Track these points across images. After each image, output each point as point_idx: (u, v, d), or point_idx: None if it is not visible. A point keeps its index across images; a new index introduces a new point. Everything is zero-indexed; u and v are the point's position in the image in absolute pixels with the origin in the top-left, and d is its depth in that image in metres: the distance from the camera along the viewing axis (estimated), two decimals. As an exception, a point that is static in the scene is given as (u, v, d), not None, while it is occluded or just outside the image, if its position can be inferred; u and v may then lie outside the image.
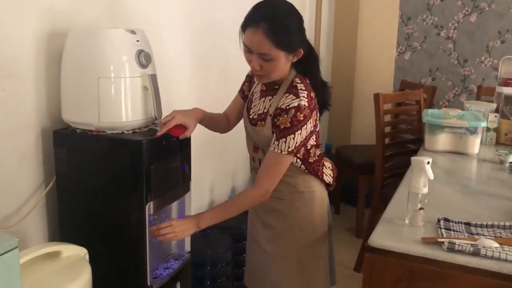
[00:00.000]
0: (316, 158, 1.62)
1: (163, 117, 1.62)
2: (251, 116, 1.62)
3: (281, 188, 1.61)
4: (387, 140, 3.01)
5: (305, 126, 1.47)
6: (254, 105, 1.63)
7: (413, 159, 1.43)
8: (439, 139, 2.31)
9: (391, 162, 2.93)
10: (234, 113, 1.78)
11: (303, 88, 1.49)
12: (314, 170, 1.62)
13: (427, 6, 3.98)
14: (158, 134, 1.56)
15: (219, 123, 1.77)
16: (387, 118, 3.07)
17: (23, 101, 1.58)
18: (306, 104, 1.46)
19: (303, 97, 1.47)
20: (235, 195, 1.59)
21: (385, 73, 4.20)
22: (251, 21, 1.43)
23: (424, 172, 1.39)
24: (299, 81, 1.52)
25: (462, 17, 3.89)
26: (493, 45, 3.83)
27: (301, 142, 1.48)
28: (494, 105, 2.63)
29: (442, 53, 4.01)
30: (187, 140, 1.74)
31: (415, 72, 4.12)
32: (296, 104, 1.46)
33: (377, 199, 2.86)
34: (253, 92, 1.67)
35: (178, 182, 1.75)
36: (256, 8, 1.46)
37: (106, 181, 1.60)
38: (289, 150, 1.46)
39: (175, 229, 1.45)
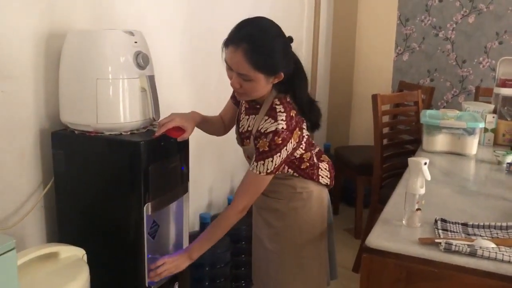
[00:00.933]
0: (311, 163, 1.63)
1: (161, 118, 1.62)
2: (240, 130, 1.64)
3: (280, 189, 1.63)
4: (385, 141, 3.01)
5: (285, 147, 1.47)
6: (242, 119, 1.64)
7: (410, 160, 1.43)
8: (437, 140, 2.31)
9: (390, 163, 2.94)
10: (228, 117, 1.79)
11: (282, 110, 1.48)
12: (309, 175, 1.63)
13: (426, 7, 3.98)
14: (156, 134, 1.56)
15: (216, 126, 1.78)
16: (386, 119, 3.07)
17: (22, 102, 1.58)
18: (285, 127, 1.46)
19: (282, 120, 1.46)
20: (215, 220, 1.60)
21: (383, 74, 4.20)
22: (232, 39, 1.41)
23: (421, 173, 1.40)
24: (278, 103, 1.49)
25: (460, 18, 3.90)
26: (491, 46, 3.84)
27: (281, 162, 1.49)
28: (492, 106, 2.64)
29: (441, 54, 4.01)
30: (185, 141, 1.74)
31: (413, 73, 4.13)
32: (273, 129, 1.45)
33: (376, 199, 2.86)
34: (242, 103, 1.67)
35: (177, 183, 1.75)
36: (239, 26, 1.43)
37: (104, 182, 1.60)
38: (267, 172, 1.48)
39: (168, 266, 1.54)
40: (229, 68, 1.45)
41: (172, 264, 1.54)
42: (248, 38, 1.38)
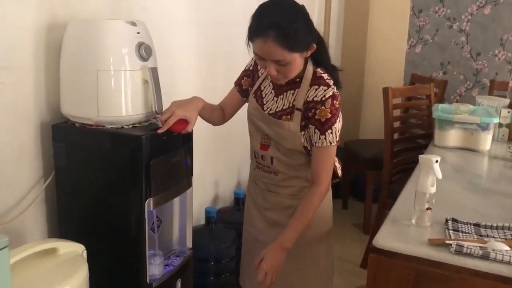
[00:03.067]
0: None
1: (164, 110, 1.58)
2: (268, 111, 1.58)
3: (292, 183, 1.60)
4: (396, 135, 2.95)
5: (340, 112, 1.50)
6: (267, 102, 1.59)
7: (421, 157, 1.38)
8: (449, 135, 2.25)
9: (400, 158, 2.88)
10: (230, 106, 1.73)
11: (329, 78, 1.52)
12: None
13: (440, -3, 3.90)
14: (159, 132, 1.51)
15: (215, 115, 1.72)
16: (397, 112, 3.01)
17: (22, 94, 1.55)
18: (337, 92, 1.49)
19: (333, 85, 1.50)
20: (302, 202, 1.52)
21: (395, 66, 4.13)
22: (258, 31, 1.38)
23: (432, 171, 1.34)
24: (322, 72, 1.52)
25: (476, 9, 3.80)
26: (508, 38, 3.74)
27: (341, 128, 1.51)
28: (507, 100, 2.57)
29: (454, 46, 3.92)
30: (190, 135, 1.70)
31: (426, 65, 4.04)
32: (331, 93, 1.47)
33: (385, 195, 2.81)
34: (260, 87, 1.62)
35: (180, 177, 1.71)
36: (260, 16, 1.41)
37: (105, 176, 1.57)
38: (337, 139, 1.50)
39: (271, 272, 1.43)
40: (261, 59, 1.44)
41: (273, 267, 1.44)
42: (274, 24, 1.36)
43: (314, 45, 1.46)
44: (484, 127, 2.19)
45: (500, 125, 2.41)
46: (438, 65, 4.01)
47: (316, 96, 1.48)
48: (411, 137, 3.22)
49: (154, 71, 1.59)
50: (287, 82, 1.54)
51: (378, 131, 3.32)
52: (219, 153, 2.72)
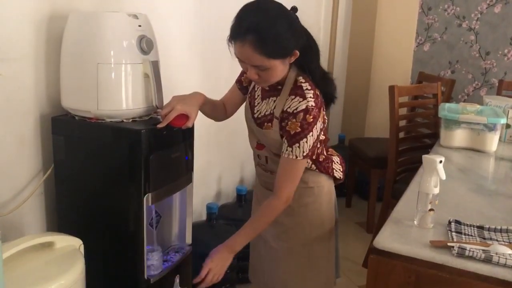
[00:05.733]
0: (326, 155, 1.58)
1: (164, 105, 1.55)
2: (255, 115, 1.55)
3: None
4: (402, 134, 2.92)
5: (315, 126, 1.41)
6: (257, 104, 1.56)
7: (425, 157, 1.35)
8: (455, 135, 2.22)
9: (405, 157, 2.85)
10: (231, 103, 1.70)
11: (309, 88, 1.42)
12: (325, 169, 1.57)
13: (450, -5, 3.84)
14: (159, 126, 1.49)
15: (217, 110, 1.69)
16: (403, 111, 2.97)
17: (22, 86, 1.54)
18: (314, 104, 1.40)
19: (310, 97, 1.40)
20: (259, 210, 1.52)
21: (403, 64, 4.08)
22: (236, 34, 1.34)
23: (435, 172, 1.32)
24: (303, 80, 1.43)
25: (486, 8, 3.74)
26: (517, 38, 3.69)
27: (313, 143, 1.43)
28: (515, 101, 2.53)
29: (463, 45, 3.87)
30: (190, 130, 1.68)
31: (434, 64, 3.99)
32: (304, 107, 1.39)
33: (389, 194, 2.79)
34: (254, 88, 1.60)
35: (180, 173, 1.70)
36: (240, 18, 1.35)
37: (104, 170, 1.56)
38: (304, 154, 1.41)
39: (216, 271, 1.45)
40: (241, 61, 1.39)
41: (218, 267, 1.46)
42: (253, 28, 1.30)
43: (297, 52, 1.38)
44: (491, 128, 2.16)
45: (508, 126, 2.37)
46: (446, 64, 3.96)
47: (290, 107, 1.41)
48: (417, 136, 3.18)
49: (155, 64, 1.57)
50: (270, 88, 1.50)
51: (384, 129, 3.29)
52: (222, 149, 2.70)
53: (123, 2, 1.84)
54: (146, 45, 1.54)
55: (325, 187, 1.60)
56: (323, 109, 1.46)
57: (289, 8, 1.39)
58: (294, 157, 1.41)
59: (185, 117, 1.50)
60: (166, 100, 1.63)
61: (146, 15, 1.60)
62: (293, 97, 1.41)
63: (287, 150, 1.42)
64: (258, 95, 1.57)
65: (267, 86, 1.51)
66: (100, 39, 1.49)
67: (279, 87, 1.47)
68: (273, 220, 1.50)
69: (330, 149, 1.65)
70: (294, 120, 1.39)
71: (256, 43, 1.30)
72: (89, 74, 1.49)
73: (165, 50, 1.76)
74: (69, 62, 1.54)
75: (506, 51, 3.75)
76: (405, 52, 4.07)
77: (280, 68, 1.38)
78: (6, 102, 1.49)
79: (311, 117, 1.39)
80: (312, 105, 1.39)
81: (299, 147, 1.40)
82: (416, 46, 4.04)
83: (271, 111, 1.48)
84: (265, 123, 1.50)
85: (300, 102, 1.39)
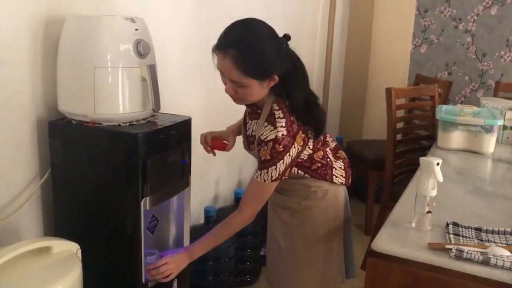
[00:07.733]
0: (323, 162, 1.56)
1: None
2: (248, 133, 1.58)
3: (294, 187, 1.58)
4: (399, 136, 2.92)
5: (288, 153, 1.40)
6: (248, 122, 1.58)
7: (422, 159, 1.35)
8: (452, 136, 2.22)
9: (403, 159, 2.85)
10: None
11: (281, 116, 1.40)
12: (321, 175, 1.57)
13: (446, -3, 3.86)
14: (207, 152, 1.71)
15: None
16: (400, 113, 2.98)
17: (18, 90, 1.53)
18: (285, 133, 1.39)
19: (281, 126, 1.39)
20: (221, 223, 1.55)
21: (400, 66, 4.09)
22: (220, 46, 1.34)
23: (433, 174, 1.32)
24: (276, 108, 1.42)
25: (482, 10, 3.76)
26: (514, 39, 3.70)
27: (285, 168, 1.43)
28: (512, 102, 2.53)
29: (460, 47, 3.88)
30: (188, 133, 1.68)
31: (431, 66, 4.00)
32: (273, 137, 1.38)
33: (387, 196, 2.78)
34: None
35: (177, 177, 1.69)
36: (227, 31, 1.36)
37: (101, 174, 1.55)
38: (273, 179, 1.43)
39: (170, 266, 1.51)
40: (222, 74, 1.40)
41: (174, 265, 1.52)
42: (236, 43, 1.31)
43: (276, 77, 1.37)
44: (488, 129, 2.16)
45: (505, 127, 2.38)
46: (443, 65, 3.97)
47: (262, 134, 1.41)
48: (414, 138, 3.19)
49: (152, 68, 1.57)
50: (252, 110, 1.52)
51: (382, 131, 3.29)
52: (220, 152, 2.69)
53: (120, 6, 1.84)
54: (143, 49, 1.53)
55: (329, 191, 1.59)
56: (304, 130, 1.44)
57: (281, 35, 1.40)
58: (262, 180, 1.44)
59: (223, 143, 1.66)
60: (163, 104, 1.63)
61: (143, 19, 1.60)
62: (266, 124, 1.42)
63: (257, 172, 1.45)
64: (247, 115, 1.59)
65: (249, 108, 1.54)
66: (97, 43, 1.48)
67: (259, 111, 1.48)
68: (233, 234, 1.56)
69: (339, 152, 1.65)
70: (265, 147, 1.40)
71: (237, 58, 1.31)
72: (86, 78, 1.48)
73: (162, 54, 1.76)
74: (65, 66, 1.54)
75: (502, 52, 3.76)
76: (402, 54, 4.08)
77: (256, 89, 1.38)
78: (2, 106, 1.48)
79: (281, 146, 1.38)
80: (282, 135, 1.38)
81: (267, 172, 1.42)
82: (413, 48, 4.05)
83: (254, 133, 1.51)
84: (251, 144, 1.54)
85: (271, 131, 1.39)
